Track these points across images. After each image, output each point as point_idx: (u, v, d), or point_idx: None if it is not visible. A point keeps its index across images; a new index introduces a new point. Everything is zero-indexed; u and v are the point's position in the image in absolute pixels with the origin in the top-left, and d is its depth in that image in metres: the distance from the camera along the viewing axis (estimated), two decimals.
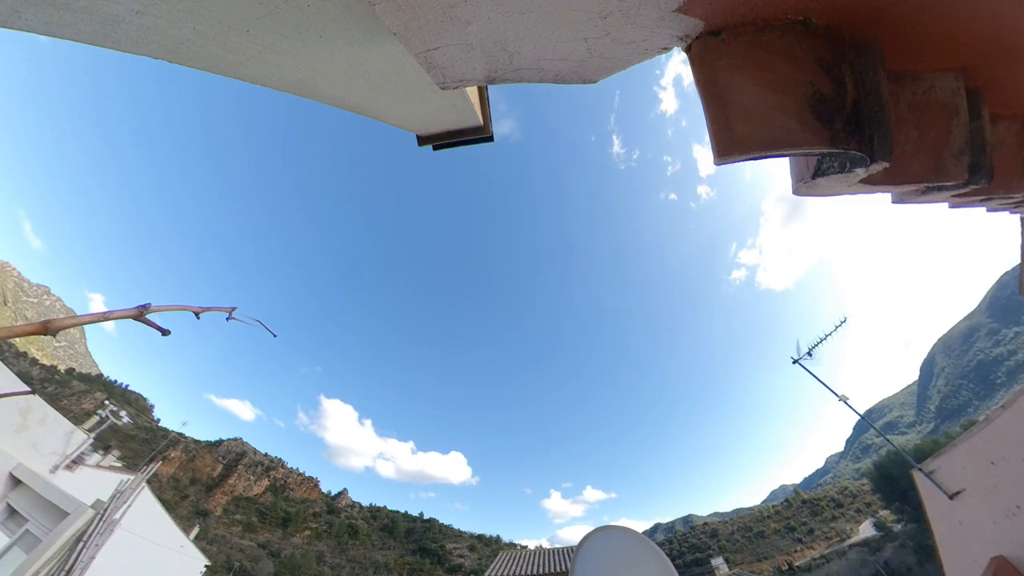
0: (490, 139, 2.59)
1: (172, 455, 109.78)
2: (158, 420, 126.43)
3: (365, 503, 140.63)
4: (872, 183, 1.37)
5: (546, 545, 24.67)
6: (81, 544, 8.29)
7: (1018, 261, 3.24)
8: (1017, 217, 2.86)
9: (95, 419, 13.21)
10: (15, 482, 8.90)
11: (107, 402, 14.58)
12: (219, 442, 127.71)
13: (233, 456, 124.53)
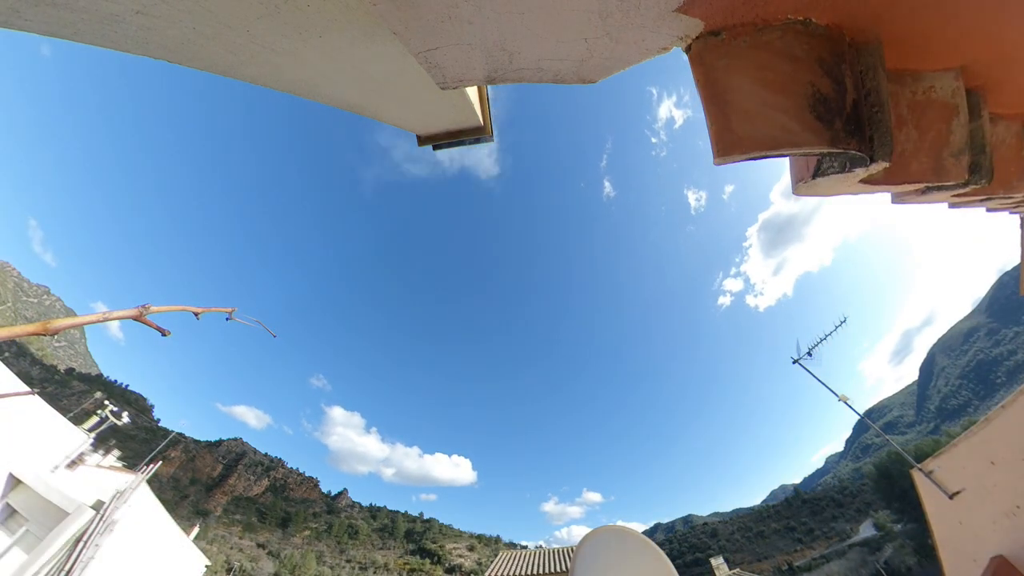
0: (490, 139, 2.59)
1: (172, 455, 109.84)
2: (158, 420, 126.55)
3: (365, 503, 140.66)
4: (872, 183, 1.36)
5: (544, 546, 24.61)
6: (81, 544, 8.30)
7: (1018, 261, 3.24)
8: (1017, 217, 2.86)
9: (95, 419, 13.21)
10: (15, 482, 8.89)
11: (107, 402, 14.58)
12: (219, 442, 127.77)
13: (233, 456, 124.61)
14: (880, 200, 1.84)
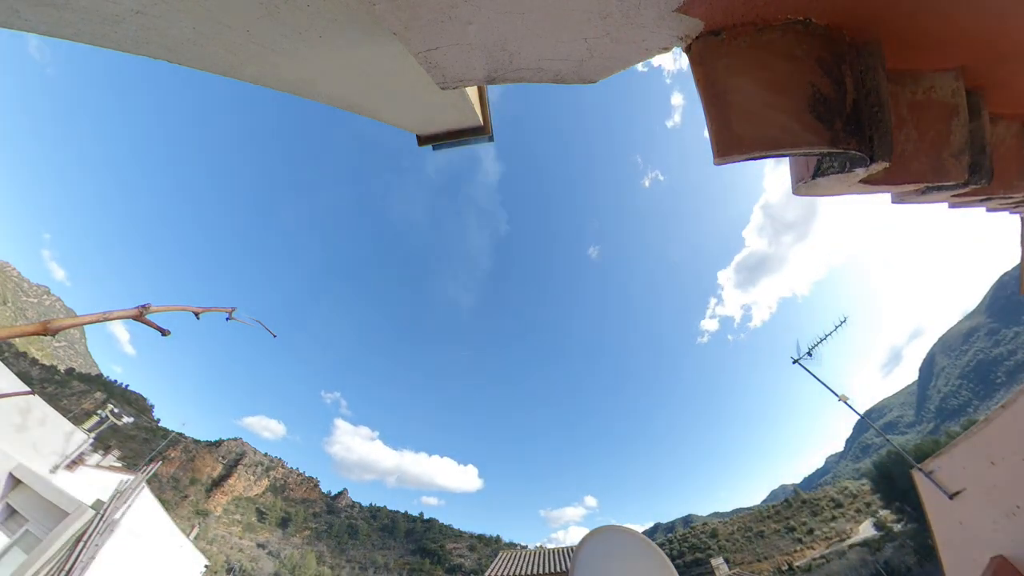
0: (490, 139, 2.59)
1: (172, 455, 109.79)
2: (158, 420, 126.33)
3: (365, 503, 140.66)
4: (872, 183, 1.37)
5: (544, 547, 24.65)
6: (81, 544, 8.30)
7: (1018, 261, 3.24)
8: (1017, 217, 2.86)
9: (95, 419, 13.22)
10: (15, 482, 8.90)
11: (109, 403, 14.58)
12: (219, 442, 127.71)
13: (233, 456, 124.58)
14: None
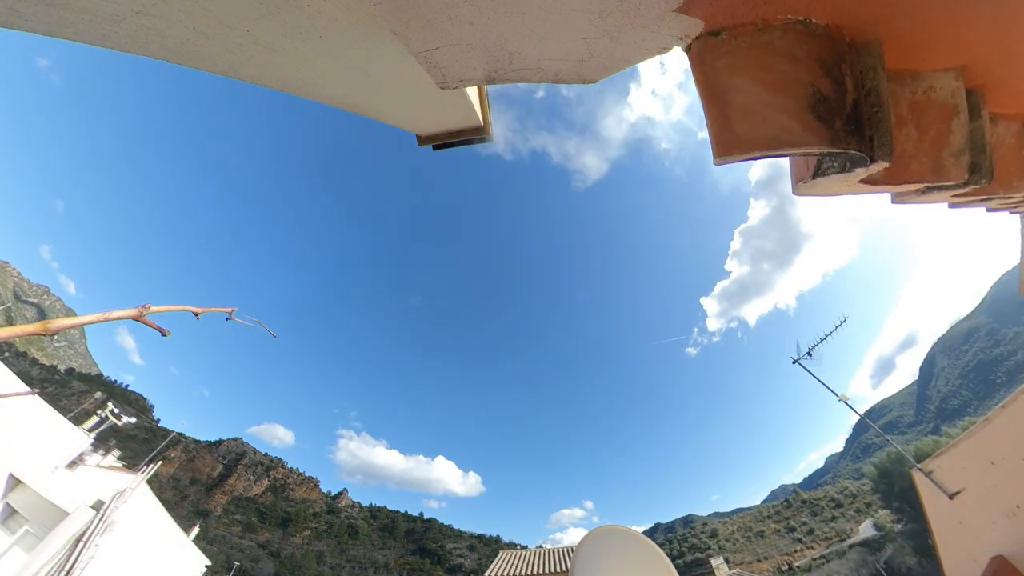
0: (490, 139, 2.59)
1: (172, 455, 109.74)
2: (158, 420, 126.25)
3: (365, 503, 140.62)
4: (872, 183, 1.37)
5: (544, 547, 24.65)
6: (81, 544, 8.30)
7: (1018, 261, 3.24)
8: (1017, 217, 2.86)
9: (95, 419, 13.21)
10: (15, 482, 8.90)
11: (109, 403, 14.58)
12: (219, 442, 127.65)
13: (233, 456, 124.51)
14: (881, 199, 1.84)
